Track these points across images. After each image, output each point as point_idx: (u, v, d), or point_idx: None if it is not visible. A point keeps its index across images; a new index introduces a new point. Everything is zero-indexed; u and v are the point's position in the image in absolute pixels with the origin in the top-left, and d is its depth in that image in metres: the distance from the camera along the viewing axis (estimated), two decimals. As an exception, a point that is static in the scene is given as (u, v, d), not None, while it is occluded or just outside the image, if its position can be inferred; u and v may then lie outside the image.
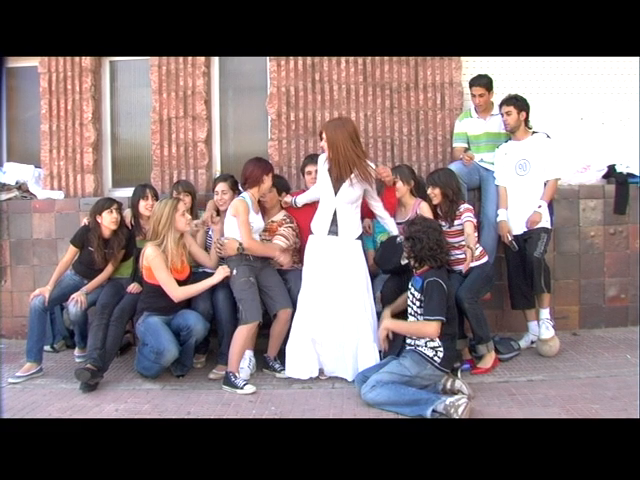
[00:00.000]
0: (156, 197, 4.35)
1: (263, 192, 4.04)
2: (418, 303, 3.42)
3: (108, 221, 4.11)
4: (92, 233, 4.14)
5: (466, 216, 4.00)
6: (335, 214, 3.86)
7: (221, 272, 3.85)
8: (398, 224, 4.08)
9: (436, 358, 3.33)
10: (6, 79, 5.59)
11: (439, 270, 3.44)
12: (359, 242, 3.92)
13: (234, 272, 3.82)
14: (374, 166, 3.93)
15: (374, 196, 3.95)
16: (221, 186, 4.24)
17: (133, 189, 4.43)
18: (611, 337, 4.64)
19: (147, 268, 3.85)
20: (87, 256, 4.18)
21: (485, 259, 4.08)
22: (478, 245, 4.08)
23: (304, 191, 4.40)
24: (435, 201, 4.09)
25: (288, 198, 4.32)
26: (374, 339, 3.74)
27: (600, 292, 4.92)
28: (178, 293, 3.81)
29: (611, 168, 4.96)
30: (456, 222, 4.04)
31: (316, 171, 4.14)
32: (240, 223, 3.83)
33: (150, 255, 3.79)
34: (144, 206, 4.26)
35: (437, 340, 3.34)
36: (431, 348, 3.35)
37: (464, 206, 4.06)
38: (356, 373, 3.67)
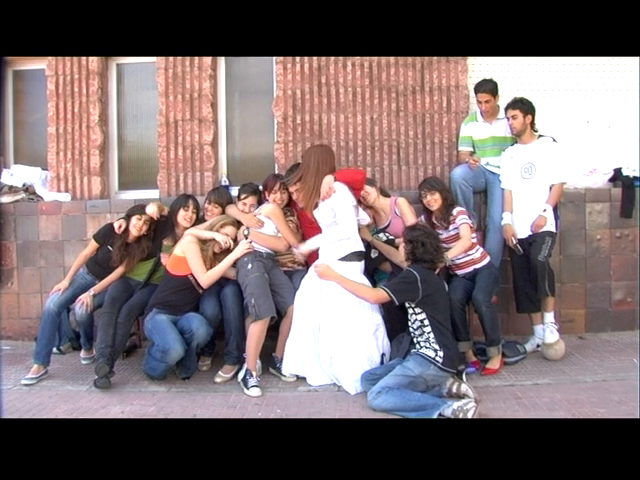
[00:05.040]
0: (197, 209, 4.32)
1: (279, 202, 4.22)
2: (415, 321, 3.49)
3: (132, 225, 4.15)
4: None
5: (461, 219, 4.03)
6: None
7: (243, 246, 3.92)
8: (381, 230, 4.21)
9: (438, 358, 3.35)
10: (14, 82, 5.63)
11: (428, 270, 3.49)
12: (347, 264, 3.79)
13: (249, 266, 3.86)
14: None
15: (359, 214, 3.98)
16: (251, 199, 4.25)
17: (141, 191, 4.44)
18: (617, 341, 4.62)
19: (176, 257, 3.95)
20: (104, 255, 4.21)
21: (487, 259, 4.11)
22: (478, 247, 4.11)
23: None
24: (435, 207, 4.12)
25: None
26: (357, 359, 3.72)
27: (606, 296, 4.91)
28: (205, 279, 3.89)
29: (617, 171, 4.95)
30: (451, 227, 4.08)
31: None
32: (282, 225, 4.11)
33: (187, 241, 3.94)
34: (182, 216, 4.25)
35: (430, 337, 3.39)
36: (432, 349, 3.38)
37: (457, 209, 4.09)
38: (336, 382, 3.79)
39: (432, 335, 3.40)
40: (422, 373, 3.34)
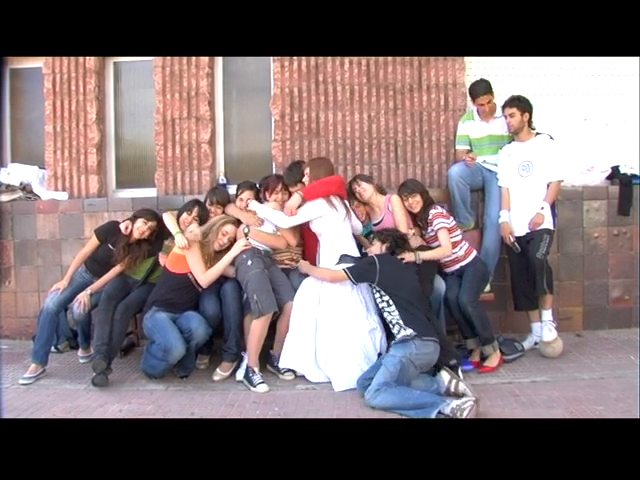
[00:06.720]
0: (201, 217, 4.21)
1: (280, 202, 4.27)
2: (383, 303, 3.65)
3: (135, 227, 4.13)
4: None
5: (437, 223, 4.06)
6: None
7: (240, 243, 3.96)
8: (374, 225, 4.26)
9: (412, 333, 3.43)
10: (11, 80, 5.61)
11: (390, 255, 3.80)
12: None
13: (249, 262, 3.87)
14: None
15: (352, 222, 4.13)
16: (247, 194, 4.31)
17: (138, 189, 4.40)
18: (615, 338, 4.63)
19: (176, 255, 3.96)
20: (103, 252, 4.19)
21: (473, 255, 4.13)
22: (462, 244, 4.13)
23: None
24: (417, 209, 4.15)
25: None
26: (353, 354, 3.76)
27: (604, 293, 4.92)
28: (204, 278, 3.91)
29: (615, 169, 4.95)
30: (429, 228, 4.11)
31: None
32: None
33: (188, 237, 3.93)
34: (182, 220, 4.16)
35: (395, 316, 3.53)
36: (404, 330, 3.47)
37: (433, 212, 4.10)
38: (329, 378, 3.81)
39: (397, 314, 3.51)
40: (405, 353, 3.38)
